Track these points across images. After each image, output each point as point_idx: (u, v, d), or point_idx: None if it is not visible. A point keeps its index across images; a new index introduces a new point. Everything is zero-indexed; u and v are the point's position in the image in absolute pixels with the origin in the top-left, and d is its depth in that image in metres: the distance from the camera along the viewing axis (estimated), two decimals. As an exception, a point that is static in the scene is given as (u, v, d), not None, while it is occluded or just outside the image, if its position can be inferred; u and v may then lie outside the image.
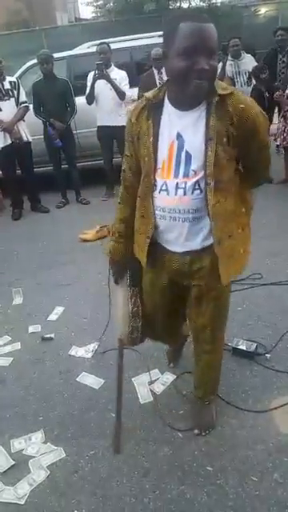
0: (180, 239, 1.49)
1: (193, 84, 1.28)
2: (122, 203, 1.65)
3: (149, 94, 1.43)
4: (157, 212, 1.47)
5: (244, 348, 2.27)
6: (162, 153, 1.41)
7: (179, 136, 1.38)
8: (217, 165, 1.34)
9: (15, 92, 4.67)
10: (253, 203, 1.60)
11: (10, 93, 4.65)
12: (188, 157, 1.37)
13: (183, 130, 1.37)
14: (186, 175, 1.38)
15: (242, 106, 1.32)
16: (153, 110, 1.41)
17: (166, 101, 1.40)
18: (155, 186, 1.44)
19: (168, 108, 1.39)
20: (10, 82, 4.66)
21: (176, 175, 1.40)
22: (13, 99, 4.65)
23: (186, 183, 1.39)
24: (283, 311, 2.64)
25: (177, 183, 1.40)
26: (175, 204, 1.42)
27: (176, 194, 1.41)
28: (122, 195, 1.64)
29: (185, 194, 1.40)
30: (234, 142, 1.35)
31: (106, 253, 1.72)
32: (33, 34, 10.02)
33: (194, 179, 1.38)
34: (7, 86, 4.63)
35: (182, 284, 1.65)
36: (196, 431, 1.86)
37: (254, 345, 2.28)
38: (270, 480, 1.64)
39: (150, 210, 1.48)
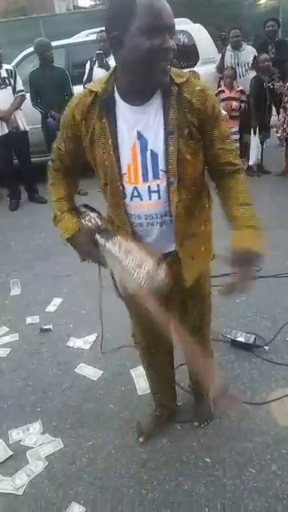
0: (159, 242, 1.37)
1: (160, 67, 1.14)
2: (55, 185, 1.49)
3: (95, 88, 1.24)
4: (132, 220, 1.34)
5: (243, 340, 2.26)
6: (125, 156, 1.26)
7: (140, 135, 1.24)
8: (180, 161, 1.23)
9: (12, 80, 4.60)
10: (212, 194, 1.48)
11: (7, 81, 4.58)
12: (154, 156, 1.25)
13: (143, 128, 1.23)
14: (155, 177, 1.26)
15: (198, 87, 1.22)
16: (104, 107, 1.24)
17: (117, 95, 1.23)
18: (124, 193, 1.30)
19: (120, 104, 1.23)
20: (7, 70, 4.59)
21: (145, 179, 1.27)
22: (9, 88, 4.59)
23: (158, 186, 1.27)
24: (282, 304, 2.64)
25: (149, 187, 1.27)
26: (152, 209, 1.31)
27: (150, 199, 1.29)
28: (54, 177, 1.49)
29: (159, 197, 1.28)
30: (195, 133, 1.24)
31: (63, 239, 1.49)
32: (30, 22, 9.88)
33: (166, 180, 1.27)
34: (4, 74, 4.56)
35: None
36: (195, 423, 1.86)
37: (253, 337, 2.28)
38: (268, 472, 1.65)
39: (124, 219, 1.35)
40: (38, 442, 1.87)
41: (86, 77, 4.74)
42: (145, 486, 1.65)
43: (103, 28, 4.84)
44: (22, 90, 4.68)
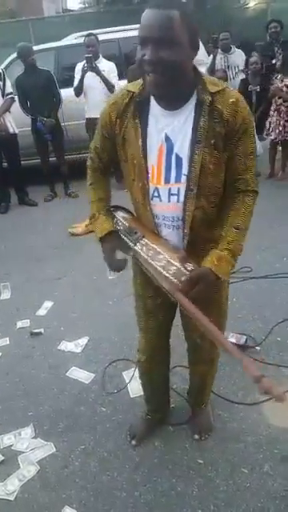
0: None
1: (146, 78, 1.17)
2: (94, 185, 1.51)
3: (132, 89, 1.28)
4: (155, 220, 1.37)
5: (234, 341, 2.27)
6: (151, 157, 1.30)
7: (167, 138, 1.27)
8: (203, 170, 1.25)
9: (0, 83, 4.58)
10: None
11: None
12: (179, 160, 1.27)
13: (171, 132, 1.26)
14: (178, 180, 1.28)
15: (232, 99, 1.22)
16: (138, 108, 1.28)
17: (152, 98, 1.27)
18: (149, 192, 1.33)
19: (154, 106, 1.27)
20: None
21: (167, 181, 1.30)
22: (-2, 90, 4.57)
23: (179, 189, 1.29)
24: (273, 304, 2.66)
25: (169, 189, 1.30)
26: (170, 211, 1.33)
27: (170, 201, 1.31)
28: (93, 177, 1.51)
29: (178, 200, 1.30)
30: (222, 144, 1.24)
31: (97, 238, 1.50)
32: (19, 25, 9.85)
33: (187, 185, 1.28)
34: None
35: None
36: (196, 437, 1.82)
37: (244, 338, 2.29)
38: (260, 472, 1.65)
39: (149, 218, 1.37)
40: (30, 447, 1.85)
41: (77, 82, 4.73)
42: (138, 488, 1.65)
43: (91, 31, 4.78)
44: (11, 93, 4.66)
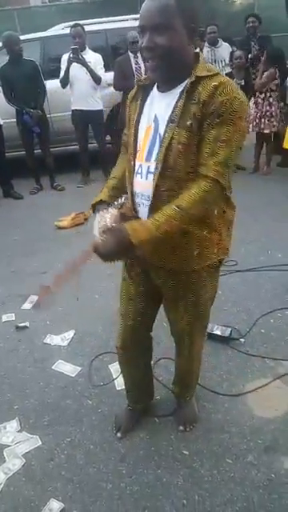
0: None
1: (147, 63, 1.27)
2: (117, 165, 1.62)
3: (143, 77, 1.43)
4: (135, 199, 1.40)
5: (219, 333, 2.29)
6: (141, 135, 1.38)
7: (156, 118, 1.33)
8: (171, 150, 1.26)
9: None
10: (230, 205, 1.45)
11: None
12: (159, 140, 1.31)
13: (159, 113, 1.32)
14: (155, 159, 1.32)
15: (215, 83, 1.20)
16: (141, 92, 1.40)
17: (156, 84, 1.37)
18: (134, 169, 1.39)
19: (154, 90, 1.36)
20: None
21: (148, 159, 1.34)
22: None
23: (155, 167, 1.31)
24: (257, 297, 2.69)
25: (148, 167, 1.34)
26: (144, 189, 1.35)
27: (147, 179, 1.34)
28: (119, 159, 1.63)
29: (152, 179, 1.32)
30: (197, 126, 1.23)
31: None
32: (4, 15, 9.65)
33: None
34: None
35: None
36: (181, 428, 1.83)
37: (229, 330, 2.31)
38: (244, 462, 1.68)
39: (131, 196, 1.42)
40: (16, 440, 1.85)
41: (63, 73, 4.67)
42: (123, 479, 1.66)
43: (77, 22, 4.71)
44: None
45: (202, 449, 1.74)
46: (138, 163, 1.38)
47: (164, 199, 1.30)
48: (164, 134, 1.28)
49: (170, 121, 1.27)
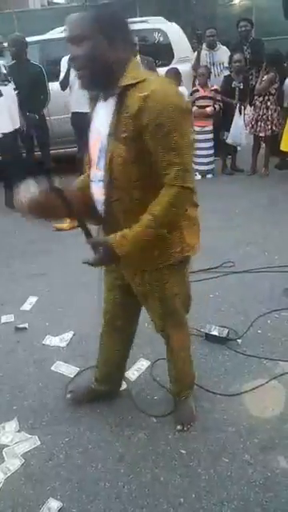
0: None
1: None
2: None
3: None
4: (95, 204, 1.50)
5: (216, 334, 2.32)
6: (92, 143, 1.45)
7: (99, 129, 1.40)
8: (113, 163, 1.34)
9: None
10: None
11: None
12: (104, 151, 1.38)
13: (101, 123, 1.38)
14: (102, 168, 1.40)
15: (143, 94, 1.24)
16: (93, 101, 1.46)
17: None
18: (90, 175, 1.50)
19: (100, 99, 1.42)
20: None
21: (98, 167, 1.42)
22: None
23: (102, 176, 1.40)
24: (254, 298, 2.71)
25: (98, 175, 1.42)
26: (98, 196, 1.46)
27: (98, 186, 1.44)
28: None
29: (102, 187, 1.42)
30: (134, 138, 1.28)
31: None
32: (3, 17, 9.69)
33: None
34: None
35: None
36: (178, 427, 1.85)
37: (226, 330, 2.33)
38: (241, 461, 1.70)
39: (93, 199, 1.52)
40: (15, 440, 1.86)
41: (63, 75, 4.70)
42: (121, 479, 1.67)
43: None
44: None
45: (199, 448, 1.76)
46: (92, 170, 1.47)
47: (115, 208, 1.39)
48: (106, 146, 1.35)
49: (109, 134, 1.34)
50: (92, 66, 1.29)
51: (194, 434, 1.83)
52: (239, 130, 4.91)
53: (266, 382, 2.05)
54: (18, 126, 4.51)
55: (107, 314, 1.82)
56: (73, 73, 4.62)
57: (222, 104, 4.99)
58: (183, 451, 1.76)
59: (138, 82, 1.27)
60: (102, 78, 1.32)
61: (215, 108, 4.96)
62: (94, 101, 1.46)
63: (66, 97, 4.81)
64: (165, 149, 1.27)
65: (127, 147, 1.30)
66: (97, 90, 1.40)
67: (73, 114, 4.90)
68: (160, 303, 1.61)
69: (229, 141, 4.98)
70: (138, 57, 4.72)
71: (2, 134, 4.47)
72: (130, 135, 1.29)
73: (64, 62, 4.69)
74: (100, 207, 1.47)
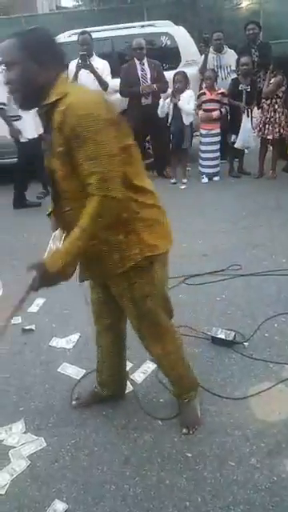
0: None
1: None
2: None
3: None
4: None
5: (223, 337, 2.31)
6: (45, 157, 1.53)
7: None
8: (56, 176, 1.41)
9: None
10: (139, 207, 1.51)
11: None
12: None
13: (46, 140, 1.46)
14: None
15: (62, 108, 1.32)
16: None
17: None
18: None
19: None
20: None
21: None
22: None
23: None
24: (261, 301, 2.70)
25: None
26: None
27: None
28: None
29: None
30: (66, 152, 1.34)
31: None
32: (12, 22, 9.82)
33: None
34: None
35: None
36: (184, 430, 1.84)
37: (233, 333, 2.33)
38: (247, 465, 1.69)
39: None
40: (21, 442, 1.87)
41: (70, 79, 4.75)
42: (127, 481, 1.67)
43: (85, 29, 4.81)
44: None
45: (205, 451, 1.76)
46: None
47: (68, 218, 1.44)
48: (49, 163, 1.44)
49: (45, 150, 1.43)
50: (23, 90, 1.38)
51: (200, 437, 1.82)
52: (248, 134, 4.91)
53: (273, 386, 2.04)
54: (41, 131, 4.55)
55: (94, 314, 1.86)
56: (80, 77, 4.68)
57: (228, 107, 4.99)
58: (189, 454, 1.75)
59: (60, 98, 1.35)
60: (33, 98, 1.41)
61: (221, 112, 4.96)
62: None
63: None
64: (83, 159, 1.32)
65: (61, 161, 1.38)
66: (32, 109, 1.47)
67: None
68: (132, 304, 1.64)
69: (238, 145, 4.98)
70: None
71: (27, 139, 4.52)
72: (61, 150, 1.35)
73: (71, 66, 4.73)
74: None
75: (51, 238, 1.71)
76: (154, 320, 1.69)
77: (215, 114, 4.93)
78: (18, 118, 4.40)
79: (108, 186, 1.33)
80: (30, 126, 4.48)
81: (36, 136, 4.51)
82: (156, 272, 1.61)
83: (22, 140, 4.54)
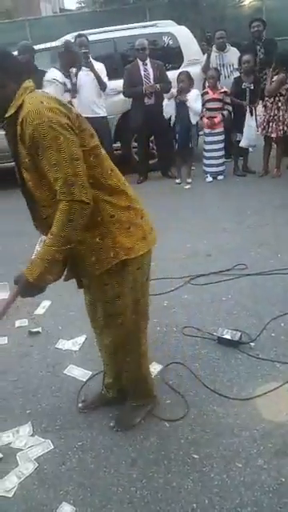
0: None
1: None
2: None
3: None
4: None
5: (229, 337, 2.30)
6: None
7: None
8: (29, 186, 1.43)
9: None
10: (115, 209, 1.52)
11: None
12: None
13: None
14: None
15: (21, 119, 1.33)
16: None
17: None
18: None
19: None
20: None
21: None
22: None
23: None
24: (267, 301, 2.68)
25: None
26: None
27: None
28: None
29: None
30: (32, 161, 1.35)
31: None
32: (16, 25, 9.86)
33: None
34: None
35: None
36: (111, 424, 1.91)
37: (239, 334, 2.31)
38: (254, 466, 1.68)
39: None
40: (28, 444, 1.88)
41: (71, 83, 4.79)
42: (134, 484, 1.67)
43: (81, 32, 4.84)
44: None
45: (212, 453, 1.75)
46: None
47: (50, 224, 1.43)
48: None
49: (15, 162, 1.43)
50: None
51: (207, 438, 1.81)
52: (252, 132, 4.88)
53: (280, 386, 2.02)
54: None
55: (89, 315, 1.87)
56: (80, 79, 4.72)
57: (231, 107, 4.98)
58: (196, 456, 1.75)
59: (17, 110, 1.36)
60: (1, 113, 1.40)
61: (224, 115, 4.95)
62: None
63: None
64: (47, 166, 1.33)
65: (29, 172, 1.39)
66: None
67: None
68: (103, 304, 1.68)
69: (242, 143, 4.96)
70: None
71: None
72: (27, 161, 1.37)
73: (73, 69, 4.76)
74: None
75: (38, 242, 1.74)
76: (120, 322, 1.70)
77: (217, 119, 4.93)
78: None
79: (73, 191, 1.34)
80: None
81: None
82: (129, 274, 1.61)
83: None
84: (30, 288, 1.49)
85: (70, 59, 4.56)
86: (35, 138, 1.31)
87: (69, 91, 4.60)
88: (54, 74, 4.62)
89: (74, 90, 4.78)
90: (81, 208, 1.36)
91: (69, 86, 4.63)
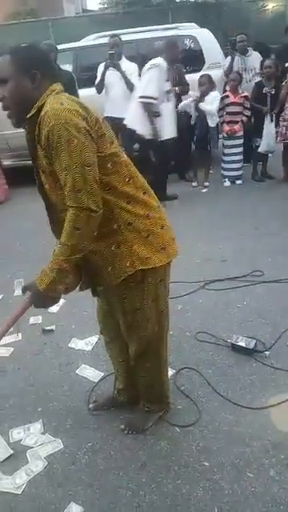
0: None
1: None
2: None
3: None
4: None
5: (243, 345, 2.27)
6: None
7: None
8: (47, 190, 1.43)
9: None
10: (132, 217, 1.47)
11: None
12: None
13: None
14: None
15: (39, 119, 1.32)
16: None
17: None
18: None
19: None
20: None
21: None
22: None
23: None
24: (283, 309, 2.64)
25: None
26: None
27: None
28: None
29: None
30: (49, 163, 1.33)
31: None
32: (40, 25, 9.97)
33: None
34: None
35: None
36: (122, 426, 1.90)
37: (254, 342, 2.29)
38: (266, 477, 1.65)
39: None
40: (39, 442, 1.88)
41: (98, 79, 4.83)
42: (143, 488, 1.66)
43: (115, 32, 4.87)
44: None
45: (223, 461, 1.73)
46: None
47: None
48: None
49: (34, 164, 1.43)
50: (16, 106, 1.37)
51: (219, 446, 1.79)
52: (271, 138, 4.84)
53: (294, 397, 1.99)
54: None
55: (100, 323, 1.87)
56: (108, 77, 4.75)
57: (250, 112, 4.94)
58: (206, 464, 1.73)
59: (38, 111, 1.35)
60: (25, 114, 1.37)
61: (243, 121, 4.92)
62: None
63: (99, 103, 4.91)
64: (59, 169, 1.31)
65: (46, 175, 1.38)
66: (23, 124, 1.43)
67: (106, 118, 4.98)
68: (123, 316, 1.64)
69: (262, 149, 4.91)
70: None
71: (164, 138, 4.35)
72: (44, 163, 1.35)
73: (100, 67, 4.81)
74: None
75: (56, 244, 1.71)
76: (141, 333, 1.67)
77: (237, 127, 4.90)
78: (158, 114, 4.21)
79: (80, 197, 1.29)
80: (168, 124, 4.36)
81: (172, 136, 4.43)
82: (149, 286, 1.56)
83: (159, 139, 4.32)
84: (41, 297, 1.46)
85: (174, 54, 4.35)
86: (50, 139, 1.27)
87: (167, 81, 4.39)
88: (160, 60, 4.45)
89: (99, 87, 4.81)
90: (88, 216, 1.31)
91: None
